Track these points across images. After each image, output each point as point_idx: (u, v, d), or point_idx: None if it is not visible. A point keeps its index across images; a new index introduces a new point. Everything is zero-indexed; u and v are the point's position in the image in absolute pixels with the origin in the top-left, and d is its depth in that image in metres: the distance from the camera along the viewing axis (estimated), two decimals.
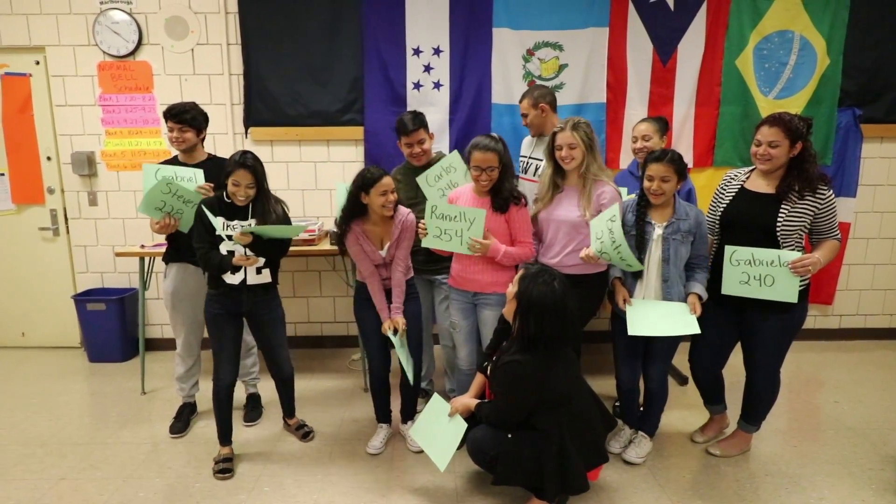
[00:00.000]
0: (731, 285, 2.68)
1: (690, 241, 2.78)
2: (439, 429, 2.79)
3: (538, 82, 4.35)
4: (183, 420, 3.66)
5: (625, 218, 2.78)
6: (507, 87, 4.38)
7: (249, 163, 2.86)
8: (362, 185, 2.94)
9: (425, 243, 3.01)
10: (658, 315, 2.74)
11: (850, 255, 4.77)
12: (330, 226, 4.27)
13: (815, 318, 4.93)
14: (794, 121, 2.65)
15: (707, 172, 4.38)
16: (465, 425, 2.73)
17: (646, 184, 2.72)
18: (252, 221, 2.96)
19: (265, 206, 2.96)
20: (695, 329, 2.67)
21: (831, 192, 2.68)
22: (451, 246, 2.94)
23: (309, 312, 4.87)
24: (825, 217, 2.71)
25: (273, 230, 2.92)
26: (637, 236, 2.75)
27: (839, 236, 2.75)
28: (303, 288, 4.81)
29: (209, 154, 3.57)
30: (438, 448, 2.78)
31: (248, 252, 2.91)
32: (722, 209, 2.84)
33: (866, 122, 4.52)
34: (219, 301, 3.01)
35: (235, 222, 2.93)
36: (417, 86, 4.39)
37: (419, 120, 3.33)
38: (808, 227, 2.71)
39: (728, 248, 2.66)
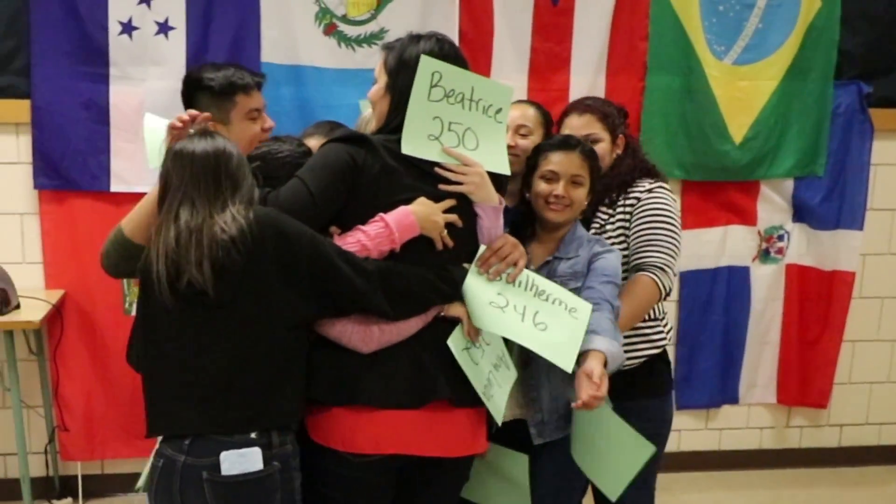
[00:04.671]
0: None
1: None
2: None
3: (341, 26, 3.27)
4: None
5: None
6: (287, 35, 3.23)
7: None
8: None
9: None
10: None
11: (856, 325, 3.78)
12: None
13: (801, 431, 3.87)
14: (608, 105, 2.37)
15: None
16: None
17: (542, 186, 2.09)
18: None
19: None
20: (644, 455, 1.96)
21: (654, 185, 2.21)
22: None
23: None
24: (638, 224, 2.19)
25: None
26: None
27: (663, 268, 2.15)
28: None
29: None
30: None
31: None
32: None
33: (878, 106, 3.55)
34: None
35: None
36: (129, 28, 3.10)
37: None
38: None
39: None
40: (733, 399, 3.63)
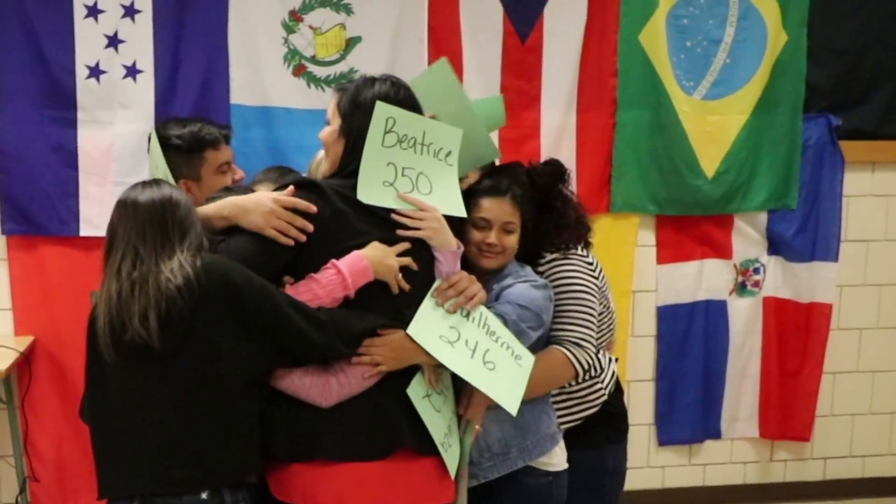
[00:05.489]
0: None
1: None
2: None
3: (310, 67, 3.24)
4: None
5: None
6: (256, 76, 3.17)
7: None
8: None
9: None
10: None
11: (835, 357, 3.72)
12: None
13: (784, 465, 3.81)
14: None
15: (601, 222, 3.38)
16: None
17: (475, 234, 2.05)
18: None
19: None
20: None
21: (551, 257, 2.14)
22: None
23: None
24: None
25: None
26: None
27: (578, 342, 2.07)
28: None
29: None
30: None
31: None
32: None
33: (849, 138, 3.54)
34: None
35: None
36: (96, 72, 3.06)
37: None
38: None
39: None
40: (716, 434, 3.56)
